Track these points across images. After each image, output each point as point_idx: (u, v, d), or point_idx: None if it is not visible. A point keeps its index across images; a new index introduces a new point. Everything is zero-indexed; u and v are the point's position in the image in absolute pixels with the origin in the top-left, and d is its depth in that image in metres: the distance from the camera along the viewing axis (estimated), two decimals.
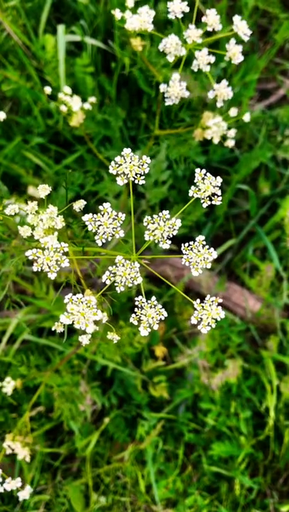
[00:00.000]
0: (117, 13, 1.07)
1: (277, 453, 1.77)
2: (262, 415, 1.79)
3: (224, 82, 1.06)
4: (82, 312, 0.70)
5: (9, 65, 1.84)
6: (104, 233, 0.73)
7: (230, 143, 1.23)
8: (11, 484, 1.01)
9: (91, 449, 1.63)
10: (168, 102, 1.06)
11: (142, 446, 1.66)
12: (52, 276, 0.71)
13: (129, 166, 0.75)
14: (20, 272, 1.07)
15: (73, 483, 1.74)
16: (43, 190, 0.84)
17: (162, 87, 1.04)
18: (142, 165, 0.75)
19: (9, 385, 1.21)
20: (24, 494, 1.03)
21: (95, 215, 0.73)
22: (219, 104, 1.04)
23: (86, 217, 0.73)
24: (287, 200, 1.75)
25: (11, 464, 1.77)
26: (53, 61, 1.84)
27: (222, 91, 1.06)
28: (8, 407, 1.82)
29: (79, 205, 0.88)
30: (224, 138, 1.23)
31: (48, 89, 1.21)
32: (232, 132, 1.21)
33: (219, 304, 0.76)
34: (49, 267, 0.71)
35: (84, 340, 0.83)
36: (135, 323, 0.73)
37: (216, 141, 1.21)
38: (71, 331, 1.82)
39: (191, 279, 1.78)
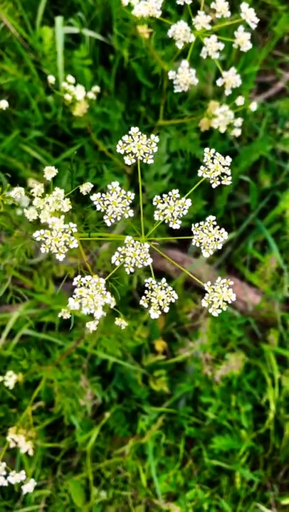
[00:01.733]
0: (124, 0, 1.06)
1: (277, 446, 1.77)
2: (262, 408, 1.79)
3: (233, 70, 1.06)
4: (92, 294, 0.69)
5: (7, 58, 1.82)
6: (113, 213, 0.72)
7: (236, 132, 1.22)
8: (15, 477, 1.01)
9: (92, 443, 1.63)
10: (177, 90, 1.05)
11: (142, 440, 1.65)
12: (60, 257, 0.70)
13: (137, 144, 0.74)
14: (22, 265, 1.06)
15: (74, 477, 1.74)
16: (49, 172, 0.83)
17: (171, 74, 1.03)
18: (150, 144, 0.74)
19: (11, 379, 1.20)
20: (28, 487, 1.03)
21: (103, 195, 0.72)
22: (228, 92, 1.04)
23: (94, 197, 0.72)
24: (288, 193, 1.75)
25: (12, 458, 1.76)
26: (50, 54, 1.82)
27: (230, 78, 1.05)
28: (7, 402, 1.81)
29: (86, 187, 0.87)
30: (230, 127, 1.22)
31: (51, 79, 1.20)
32: (239, 121, 1.20)
33: (230, 287, 0.75)
34: (57, 248, 0.70)
35: (92, 326, 0.83)
36: (145, 305, 0.72)
37: (222, 130, 1.20)
38: (71, 325, 1.81)
39: (190, 273, 1.77)
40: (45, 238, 0.70)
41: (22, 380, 1.22)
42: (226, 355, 1.64)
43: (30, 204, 1.47)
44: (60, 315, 0.89)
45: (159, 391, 1.73)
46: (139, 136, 0.74)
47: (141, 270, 1.86)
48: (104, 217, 0.72)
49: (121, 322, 0.86)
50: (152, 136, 0.74)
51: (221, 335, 1.75)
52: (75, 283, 0.70)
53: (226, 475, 1.75)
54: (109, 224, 0.72)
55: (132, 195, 0.73)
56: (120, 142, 0.74)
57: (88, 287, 0.69)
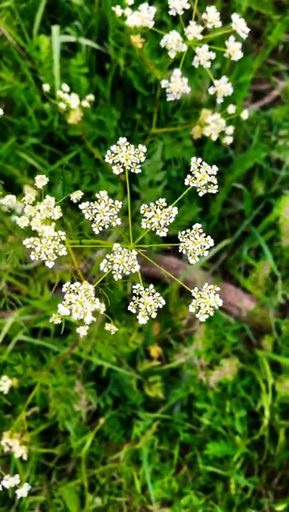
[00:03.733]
0: (117, 10, 1.07)
1: (272, 452, 1.77)
2: (257, 415, 1.80)
3: (224, 79, 1.07)
4: (81, 301, 0.70)
5: (4, 66, 1.84)
6: (101, 221, 0.73)
7: (228, 140, 1.24)
8: (10, 482, 1.01)
9: (86, 449, 1.63)
10: (169, 98, 1.07)
11: (137, 446, 1.66)
12: (49, 265, 0.71)
13: (125, 154, 0.75)
14: (16, 270, 1.07)
15: (68, 484, 1.74)
16: (41, 180, 0.84)
17: (164, 83, 1.04)
18: (138, 153, 0.76)
19: (6, 384, 1.21)
20: (22, 492, 1.03)
21: (91, 203, 0.73)
22: (219, 101, 1.05)
23: (83, 206, 0.73)
24: (282, 200, 1.76)
25: (6, 464, 1.76)
26: (47, 62, 1.84)
27: (222, 87, 1.06)
28: (2, 407, 1.81)
29: (76, 195, 0.88)
30: (222, 135, 1.24)
31: (46, 87, 1.22)
32: (230, 129, 1.22)
33: (217, 293, 0.77)
34: (46, 256, 0.72)
35: (82, 331, 0.84)
36: (133, 311, 0.73)
37: (214, 138, 1.22)
38: (66, 331, 1.82)
39: (186, 279, 1.78)
40: (35, 246, 0.72)
41: (17, 385, 1.22)
42: (220, 361, 1.65)
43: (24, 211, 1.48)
44: (51, 320, 0.90)
45: (154, 397, 1.74)
46: (126, 146, 0.76)
47: (136, 277, 1.87)
48: (92, 225, 0.73)
49: (111, 327, 0.87)
50: (140, 146, 0.75)
51: (215, 341, 1.75)
52: (64, 289, 0.71)
53: (220, 481, 1.75)
54: (97, 232, 0.74)
55: (119, 204, 0.74)
56: (108, 152, 0.75)
57: (78, 293, 0.71)
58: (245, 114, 1.18)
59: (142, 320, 0.73)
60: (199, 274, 1.81)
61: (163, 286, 1.87)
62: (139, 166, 0.76)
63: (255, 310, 1.77)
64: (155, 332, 1.84)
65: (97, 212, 0.73)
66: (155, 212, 0.74)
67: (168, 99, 1.07)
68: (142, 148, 0.76)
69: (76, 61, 1.80)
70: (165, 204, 0.75)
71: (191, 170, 0.77)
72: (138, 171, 0.76)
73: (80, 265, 1.71)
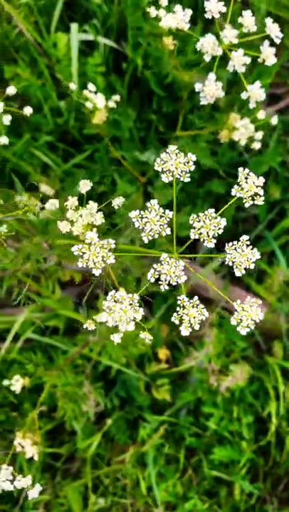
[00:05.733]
0: (152, 11, 1.07)
1: (278, 459, 1.76)
2: (264, 421, 1.79)
3: (257, 84, 1.06)
4: (125, 310, 0.70)
5: (21, 62, 1.83)
6: (150, 230, 0.73)
7: (256, 145, 1.23)
8: (21, 482, 1.01)
9: (93, 450, 1.62)
10: (203, 102, 1.06)
11: (143, 448, 1.65)
12: (96, 272, 0.71)
13: (175, 163, 0.75)
14: (34, 271, 1.07)
15: (73, 484, 1.74)
16: (84, 185, 0.84)
17: (198, 87, 1.03)
18: (188, 162, 0.76)
19: (18, 383, 1.21)
20: (33, 493, 1.03)
21: (141, 212, 0.73)
22: (252, 105, 1.05)
23: (133, 214, 0.73)
24: None
25: (11, 463, 1.76)
26: (64, 59, 1.83)
27: (255, 92, 1.05)
28: (9, 405, 1.81)
29: (119, 201, 0.88)
30: (250, 140, 1.23)
31: (72, 86, 1.22)
32: (259, 134, 1.21)
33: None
34: (94, 264, 0.71)
35: (116, 339, 0.83)
36: (177, 322, 0.73)
37: (242, 143, 1.22)
38: (75, 330, 1.81)
39: (196, 283, 1.77)
40: (83, 253, 0.71)
41: (28, 384, 1.22)
42: (229, 366, 1.64)
43: (42, 209, 1.47)
44: (85, 326, 0.90)
45: (161, 400, 1.73)
46: (176, 154, 0.76)
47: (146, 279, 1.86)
48: (142, 234, 0.73)
49: (146, 336, 0.87)
50: (189, 154, 0.75)
51: (225, 345, 1.74)
52: (109, 298, 0.71)
53: (225, 486, 1.74)
54: (146, 241, 0.74)
55: (170, 213, 0.74)
56: (158, 160, 0.75)
57: (121, 302, 0.71)
58: (274, 120, 1.17)
59: (185, 332, 0.73)
60: (210, 279, 1.80)
61: (173, 287, 1.86)
62: (188, 175, 0.76)
63: (266, 315, 1.75)
64: (163, 334, 1.83)
65: (147, 222, 0.73)
66: (204, 222, 0.74)
67: (201, 103, 1.06)
68: (192, 157, 0.76)
69: (93, 60, 1.79)
70: (214, 214, 0.75)
71: (238, 180, 0.77)
72: (187, 179, 0.76)
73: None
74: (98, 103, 1.20)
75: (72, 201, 0.83)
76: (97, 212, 0.81)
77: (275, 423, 1.70)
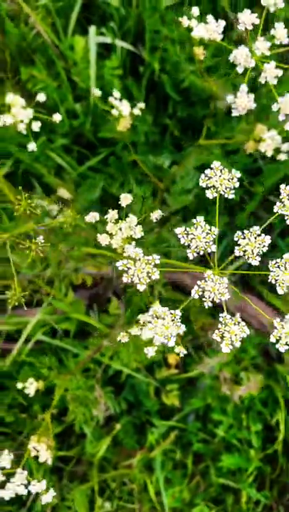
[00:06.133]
0: (184, 21, 1.06)
1: (285, 467, 1.76)
2: (272, 429, 1.78)
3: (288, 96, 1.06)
4: (167, 326, 0.71)
5: (39, 63, 1.83)
6: (196, 247, 0.73)
7: (282, 156, 1.23)
8: (36, 487, 1.01)
9: (102, 454, 1.63)
10: (234, 113, 1.05)
11: (151, 454, 1.65)
12: (141, 288, 0.71)
13: (220, 179, 0.75)
14: (54, 276, 1.07)
15: (80, 487, 1.74)
16: (125, 199, 0.84)
17: (229, 99, 1.03)
18: (232, 179, 0.76)
19: (32, 386, 1.21)
20: (47, 498, 1.03)
21: (187, 228, 0.73)
22: (282, 118, 1.04)
23: (178, 230, 0.73)
24: None
25: (17, 463, 1.76)
26: (82, 62, 1.83)
27: (286, 105, 1.05)
28: (18, 406, 1.81)
29: (156, 215, 0.88)
30: (276, 151, 1.23)
31: (97, 92, 1.21)
32: (286, 146, 1.21)
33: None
34: (139, 279, 0.72)
35: (150, 352, 0.83)
36: (218, 339, 0.73)
37: (269, 154, 1.21)
38: (86, 332, 1.81)
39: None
40: (128, 268, 0.72)
41: (42, 388, 1.22)
42: (240, 374, 1.64)
43: (59, 213, 1.47)
44: (119, 338, 0.90)
45: (170, 405, 1.73)
46: (221, 170, 0.76)
47: (160, 284, 1.86)
48: (188, 250, 0.73)
49: (180, 350, 0.87)
50: (233, 171, 0.75)
51: (235, 353, 1.74)
52: (150, 313, 0.72)
53: (231, 493, 1.74)
54: (191, 257, 0.74)
55: (215, 230, 0.74)
56: (203, 176, 0.76)
57: (163, 318, 0.71)
58: None
59: (226, 349, 0.73)
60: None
61: (186, 293, 1.86)
62: (232, 192, 0.76)
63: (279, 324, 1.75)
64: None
65: (193, 238, 0.73)
66: (249, 240, 0.74)
67: (232, 115, 1.06)
68: (236, 173, 0.76)
69: (111, 63, 1.79)
70: (258, 232, 0.75)
71: (280, 197, 0.77)
72: (232, 196, 0.76)
73: (106, 268, 1.70)
74: (123, 110, 1.20)
75: (113, 214, 0.83)
76: (136, 225, 0.82)
77: (283, 431, 1.70)
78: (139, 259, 0.72)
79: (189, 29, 1.06)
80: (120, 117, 1.21)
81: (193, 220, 0.74)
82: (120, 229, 0.82)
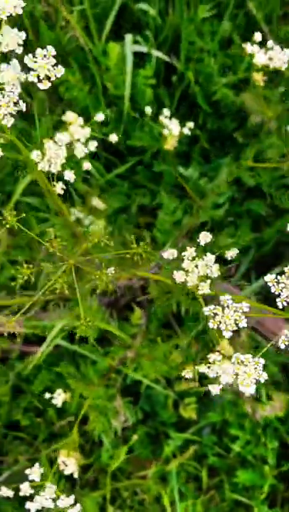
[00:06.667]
0: (248, 47, 1.05)
1: None
2: (287, 446, 1.78)
3: None
4: (249, 373, 0.70)
5: (74, 67, 1.83)
6: (287, 296, 0.72)
7: None
8: (65, 502, 1.01)
9: (119, 463, 1.62)
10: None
11: (167, 467, 1.64)
12: (227, 335, 0.70)
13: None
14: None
15: (91, 494, 1.73)
16: (204, 237, 0.84)
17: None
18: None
19: (59, 397, 1.20)
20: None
21: (278, 277, 0.73)
22: None
23: (268, 278, 0.73)
24: None
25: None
26: (115, 68, 1.83)
27: None
28: (33, 410, 1.81)
29: (232, 253, 0.87)
30: None
31: (148, 110, 1.21)
32: None
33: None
34: (226, 325, 0.71)
35: (215, 390, 0.82)
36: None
37: None
38: (107, 340, 1.81)
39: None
40: (215, 314, 0.71)
41: (70, 399, 1.22)
42: (260, 391, 1.63)
43: (92, 223, 1.46)
44: (183, 373, 0.89)
45: (187, 418, 1.72)
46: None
47: (180, 294, 1.85)
48: (277, 299, 0.73)
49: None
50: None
51: None
52: (233, 360, 0.71)
53: (243, 509, 1.74)
54: (280, 306, 0.73)
55: None
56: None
57: (245, 365, 0.70)
58: None
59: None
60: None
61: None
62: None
63: None
64: (193, 351, 1.83)
65: (284, 287, 0.72)
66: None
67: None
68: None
69: (145, 71, 1.79)
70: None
71: None
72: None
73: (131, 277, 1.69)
74: (173, 129, 1.19)
75: (191, 252, 0.83)
76: (214, 263, 0.81)
77: None
78: (228, 306, 0.71)
79: (251, 55, 1.06)
80: (169, 136, 1.21)
81: (285, 269, 0.73)
82: (196, 266, 0.81)
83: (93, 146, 1.07)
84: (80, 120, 1.07)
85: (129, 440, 1.70)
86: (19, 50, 0.74)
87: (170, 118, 1.25)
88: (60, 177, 0.89)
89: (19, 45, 0.73)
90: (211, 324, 0.71)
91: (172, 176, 1.76)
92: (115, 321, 1.83)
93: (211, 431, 1.78)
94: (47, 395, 1.24)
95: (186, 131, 1.24)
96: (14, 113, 0.69)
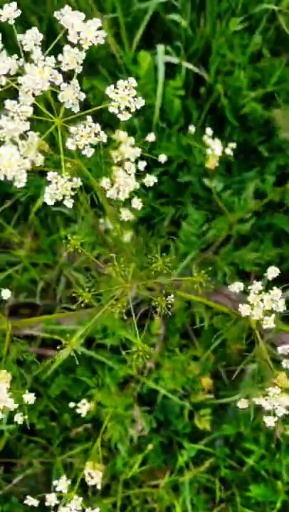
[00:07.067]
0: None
1: None
2: None
3: None
4: None
5: (103, 74, 1.84)
6: None
7: None
8: None
9: (133, 471, 1.63)
10: None
11: (181, 479, 1.65)
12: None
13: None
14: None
15: (102, 500, 1.74)
16: (272, 272, 0.84)
17: None
18: None
19: (84, 407, 1.21)
20: None
21: None
22: None
23: None
24: None
25: (45, 472, 1.77)
26: (144, 77, 1.83)
27: None
28: (48, 414, 1.82)
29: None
30: None
31: (192, 129, 1.21)
32: None
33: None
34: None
35: (269, 422, 0.83)
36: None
37: None
38: (126, 348, 1.82)
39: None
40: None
41: (94, 409, 1.23)
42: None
43: (122, 234, 1.46)
44: (238, 404, 0.90)
45: (202, 429, 1.73)
46: None
47: (201, 306, 1.86)
48: None
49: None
50: None
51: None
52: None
53: None
54: None
55: None
56: None
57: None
58: None
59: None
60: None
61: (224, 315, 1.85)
62: None
63: None
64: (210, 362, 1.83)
65: None
66: None
67: None
68: None
69: (174, 83, 1.79)
70: None
71: None
72: None
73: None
74: (216, 149, 1.20)
75: (257, 286, 0.84)
76: (279, 299, 0.82)
77: None
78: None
79: None
80: (211, 156, 1.21)
81: None
82: (262, 300, 0.82)
83: (142, 165, 1.07)
84: (132, 140, 1.07)
85: (143, 448, 1.70)
86: (79, 70, 0.75)
87: (213, 138, 1.25)
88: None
89: (78, 64, 0.74)
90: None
91: (197, 187, 1.77)
92: (133, 329, 1.84)
93: (224, 443, 1.78)
94: (71, 404, 1.25)
95: (228, 151, 1.25)
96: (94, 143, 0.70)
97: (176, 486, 1.75)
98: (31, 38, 0.71)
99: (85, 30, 0.69)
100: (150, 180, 1.01)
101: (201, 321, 1.81)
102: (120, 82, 0.71)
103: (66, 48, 0.72)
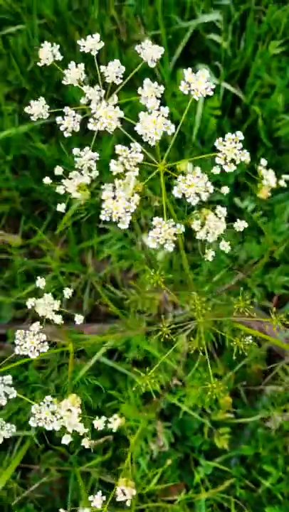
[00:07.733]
0: None
1: None
2: None
3: None
4: None
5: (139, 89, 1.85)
6: None
7: None
8: None
9: (151, 486, 1.64)
10: None
11: (198, 497, 1.66)
12: None
13: None
14: None
15: (117, 511, 1.75)
16: None
17: None
18: None
19: (115, 422, 1.22)
20: None
21: None
22: None
23: None
24: None
25: (61, 480, 1.78)
26: (180, 94, 1.85)
27: None
28: None
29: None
30: None
31: (247, 156, 1.22)
32: None
33: None
34: None
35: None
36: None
37: None
38: (148, 363, 1.83)
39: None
40: None
41: (124, 424, 1.24)
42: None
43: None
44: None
45: (220, 447, 1.74)
46: None
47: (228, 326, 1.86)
48: None
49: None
50: None
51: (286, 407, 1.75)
52: None
53: None
54: None
55: None
56: None
57: None
58: None
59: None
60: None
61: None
62: None
63: None
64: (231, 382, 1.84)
65: None
66: None
67: None
68: None
69: (212, 103, 1.81)
70: None
71: None
72: None
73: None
74: (270, 180, 1.21)
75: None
76: None
77: None
78: None
79: None
80: (265, 186, 1.22)
81: None
82: None
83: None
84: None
85: (160, 463, 1.71)
86: (156, 105, 0.77)
87: (267, 168, 1.26)
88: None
89: (157, 98, 0.76)
90: None
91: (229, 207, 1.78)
92: (157, 343, 1.86)
93: (240, 462, 1.79)
94: (103, 419, 1.26)
95: (282, 183, 1.25)
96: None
97: (190, 502, 1.75)
98: (113, 70, 0.72)
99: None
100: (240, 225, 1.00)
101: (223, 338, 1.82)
102: (228, 136, 0.73)
103: (146, 81, 0.74)
